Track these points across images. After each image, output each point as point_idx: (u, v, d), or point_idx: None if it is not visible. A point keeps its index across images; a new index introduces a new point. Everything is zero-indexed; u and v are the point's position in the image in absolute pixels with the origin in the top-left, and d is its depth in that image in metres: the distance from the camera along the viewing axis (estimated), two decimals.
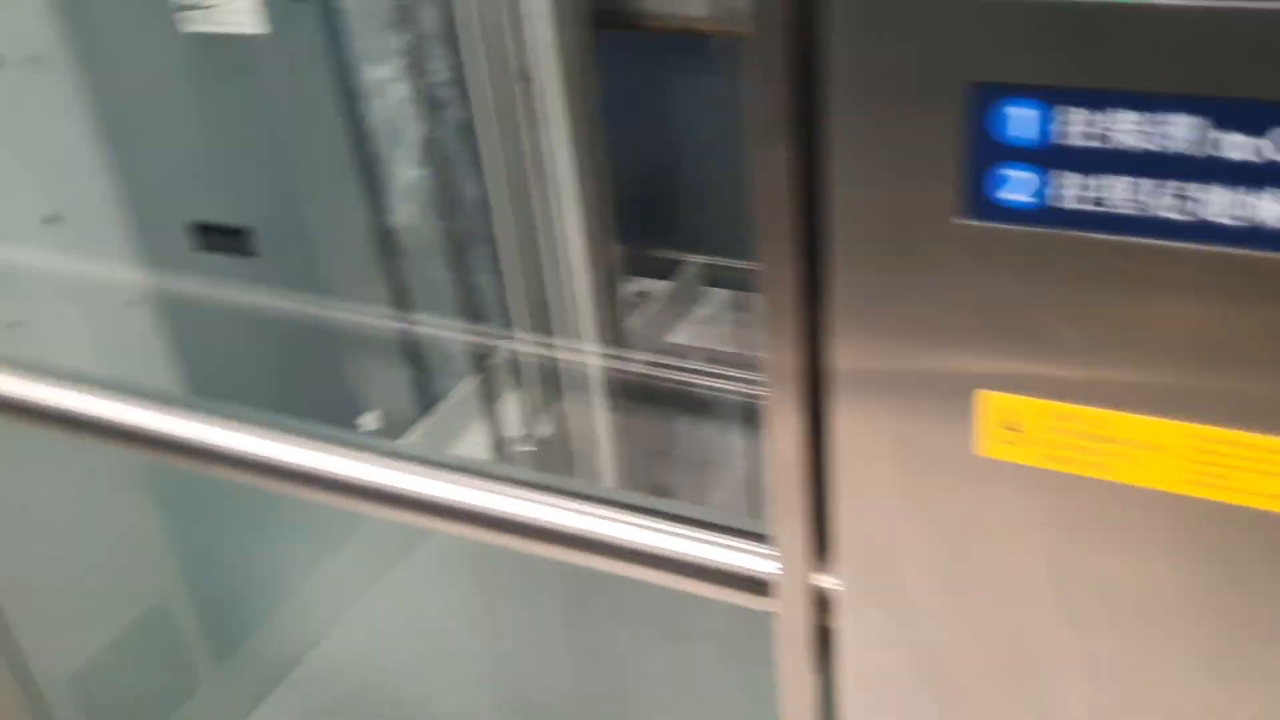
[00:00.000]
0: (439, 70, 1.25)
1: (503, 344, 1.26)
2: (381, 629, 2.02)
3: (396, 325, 1.49)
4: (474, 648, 1.98)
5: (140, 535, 1.49)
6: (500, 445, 1.42)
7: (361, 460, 0.76)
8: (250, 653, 1.83)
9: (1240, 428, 0.46)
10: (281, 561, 1.92)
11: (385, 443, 0.76)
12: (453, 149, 1.29)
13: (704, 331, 1.41)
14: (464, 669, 1.95)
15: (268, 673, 1.90)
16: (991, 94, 0.44)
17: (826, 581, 0.61)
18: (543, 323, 1.20)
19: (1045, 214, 0.46)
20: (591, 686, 1.89)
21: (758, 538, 0.65)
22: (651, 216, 1.47)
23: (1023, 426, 0.50)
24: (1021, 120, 0.44)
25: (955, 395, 0.51)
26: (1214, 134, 0.42)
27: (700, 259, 1.48)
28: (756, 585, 0.65)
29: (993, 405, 0.51)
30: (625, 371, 1.17)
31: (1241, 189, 0.42)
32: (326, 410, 1.65)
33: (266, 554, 1.89)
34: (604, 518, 0.68)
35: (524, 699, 1.90)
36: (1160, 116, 0.42)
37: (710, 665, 1.83)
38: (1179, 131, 0.42)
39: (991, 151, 0.45)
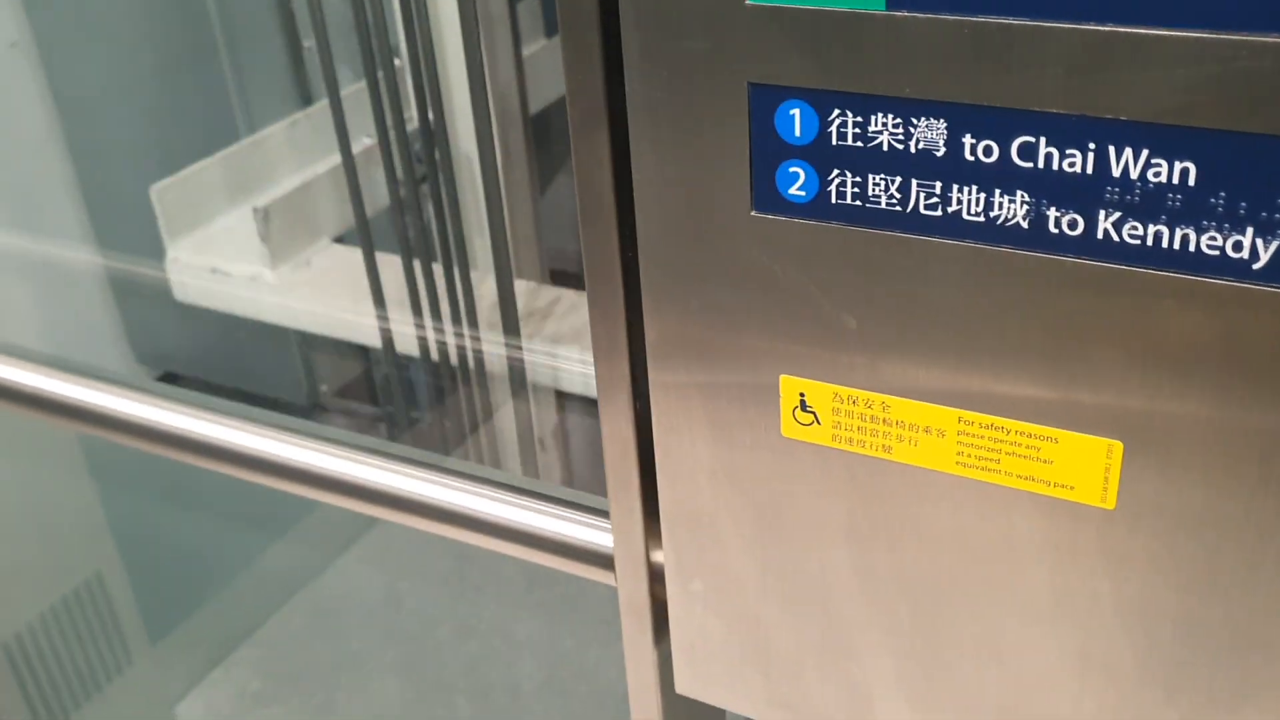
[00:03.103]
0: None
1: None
2: (322, 616, 2.05)
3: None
4: (415, 634, 2.01)
5: (79, 507, 1.52)
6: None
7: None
8: (188, 632, 1.85)
9: (999, 413, 0.50)
10: (224, 544, 1.95)
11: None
12: None
13: None
14: (404, 655, 1.98)
15: (205, 654, 1.93)
16: (769, 95, 0.48)
17: (661, 556, 0.64)
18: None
19: (821, 209, 0.49)
20: (530, 676, 1.92)
21: (601, 513, 0.68)
22: None
23: (816, 409, 0.54)
24: (796, 120, 0.48)
25: (757, 379, 0.55)
26: (960, 137, 0.45)
27: None
28: (601, 559, 0.68)
29: (789, 389, 0.54)
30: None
31: (984, 189, 0.46)
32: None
33: (211, 535, 1.92)
34: (465, 490, 0.72)
35: (461, 683, 1.93)
36: (913, 120, 0.46)
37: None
38: (930, 134, 0.46)
39: (775, 149, 0.49)
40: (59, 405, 0.91)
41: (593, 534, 0.69)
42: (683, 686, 0.67)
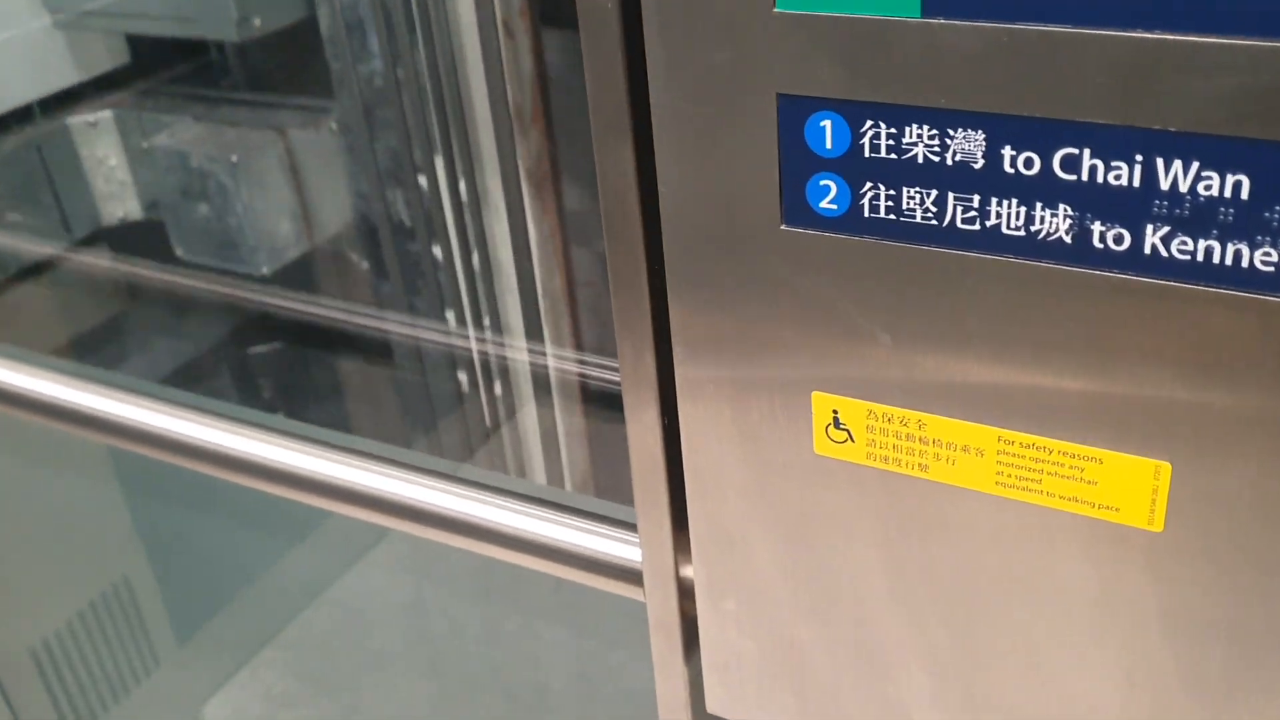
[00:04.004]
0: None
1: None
2: (347, 617, 2.05)
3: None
4: (441, 635, 2.00)
5: (107, 512, 1.52)
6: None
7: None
8: (213, 635, 1.85)
9: (1042, 433, 0.48)
10: (250, 546, 1.95)
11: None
12: None
13: None
14: (431, 655, 1.97)
15: (231, 656, 1.93)
16: (799, 106, 0.46)
17: (691, 572, 0.63)
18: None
19: (853, 223, 0.47)
20: (555, 678, 1.91)
21: (631, 527, 0.67)
22: None
23: (850, 426, 0.52)
24: (828, 132, 0.46)
25: (789, 396, 0.53)
26: (999, 149, 0.43)
27: None
28: (629, 575, 0.67)
29: (821, 406, 0.53)
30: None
31: (1025, 202, 0.44)
32: None
33: (235, 537, 1.92)
34: (490, 504, 0.70)
35: (488, 685, 1.92)
36: (950, 131, 0.44)
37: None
38: (967, 146, 0.44)
39: (805, 161, 0.47)
40: (87, 418, 0.90)
41: (621, 549, 0.67)
42: (714, 706, 0.66)
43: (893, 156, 0.46)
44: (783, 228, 0.49)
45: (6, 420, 1.34)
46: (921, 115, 0.44)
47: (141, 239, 1.41)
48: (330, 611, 2.07)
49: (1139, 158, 0.41)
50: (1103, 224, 0.43)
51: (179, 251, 1.35)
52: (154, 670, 1.63)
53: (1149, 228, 0.42)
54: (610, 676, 1.92)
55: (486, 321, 1.19)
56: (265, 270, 1.31)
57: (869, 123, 0.45)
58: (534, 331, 1.17)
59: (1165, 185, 0.41)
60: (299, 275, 1.38)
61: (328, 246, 1.37)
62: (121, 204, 1.40)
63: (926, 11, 0.42)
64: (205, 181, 1.26)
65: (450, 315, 1.21)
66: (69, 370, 0.95)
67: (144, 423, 0.88)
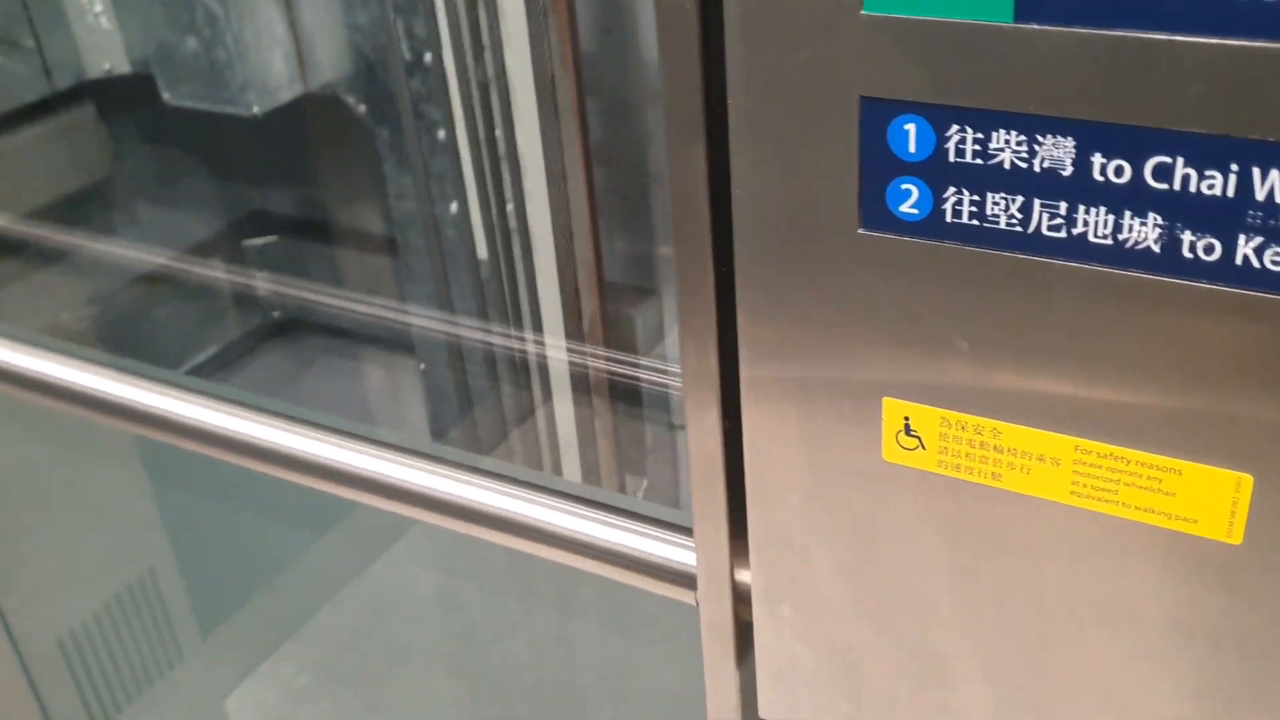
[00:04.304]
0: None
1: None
2: (371, 610, 2.05)
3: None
4: (464, 631, 2.00)
5: (134, 503, 1.52)
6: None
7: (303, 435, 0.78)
8: (236, 627, 1.85)
9: (1120, 443, 0.48)
10: (271, 541, 1.95)
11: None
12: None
13: None
14: (453, 651, 1.97)
15: (252, 650, 1.93)
16: (882, 108, 0.46)
17: (746, 576, 0.62)
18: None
19: (934, 227, 0.47)
20: (579, 676, 1.91)
21: (685, 531, 0.67)
22: None
23: (921, 433, 0.52)
24: (911, 136, 0.46)
25: (858, 401, 0.53)
26: (1089, 156, 0.43)
27: None
28: (683, 578, 0.67)
29: (893, 412, 0.52)
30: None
31: (1114, 210, 0.43)
32: None
33: (259, 529, 1.92)
34: (542, 504, 0.70)
35: (511, 682, 1.92)
36: (1038, 137, 0.43)
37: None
38: (1056, 153, 0.43)
39: (886, 164, 0.47)
40: (116, 407, 0.90)
41: (672, 551, 0.67)
42: (767, 710, 0.65)
43: (978, 162, 0.45)
44: (860, 231, 0.48)
45: (40, 413, 1.34)
46: (1010, 121, 0.44)
47: (129, 92, 1.36)
48: (351, 607, 2.07)
49: (1234, 167, 0.41)
50: (1193, 234, 0.43)
51: (166, 96, 1.28)
52: (178, 664, 1.63)
53: (1241, 238, 0.42)
54: (637, 675, 1.91)
55: (510, 207, 1.10)
56: (255, 110, 1.24)
57: (954, 127, 0.45)
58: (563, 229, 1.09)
59: (1261, 196, 0.41)
60: (292, 122, 1.31)
61: (326, 93, 1.31)
62: (108, 55, 1.33)
63: (1020, 17, 0.42)
64: (194, 11, 1.20)
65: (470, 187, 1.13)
66: (99, 359, 0.95)
67: (172, 412, 0.88)
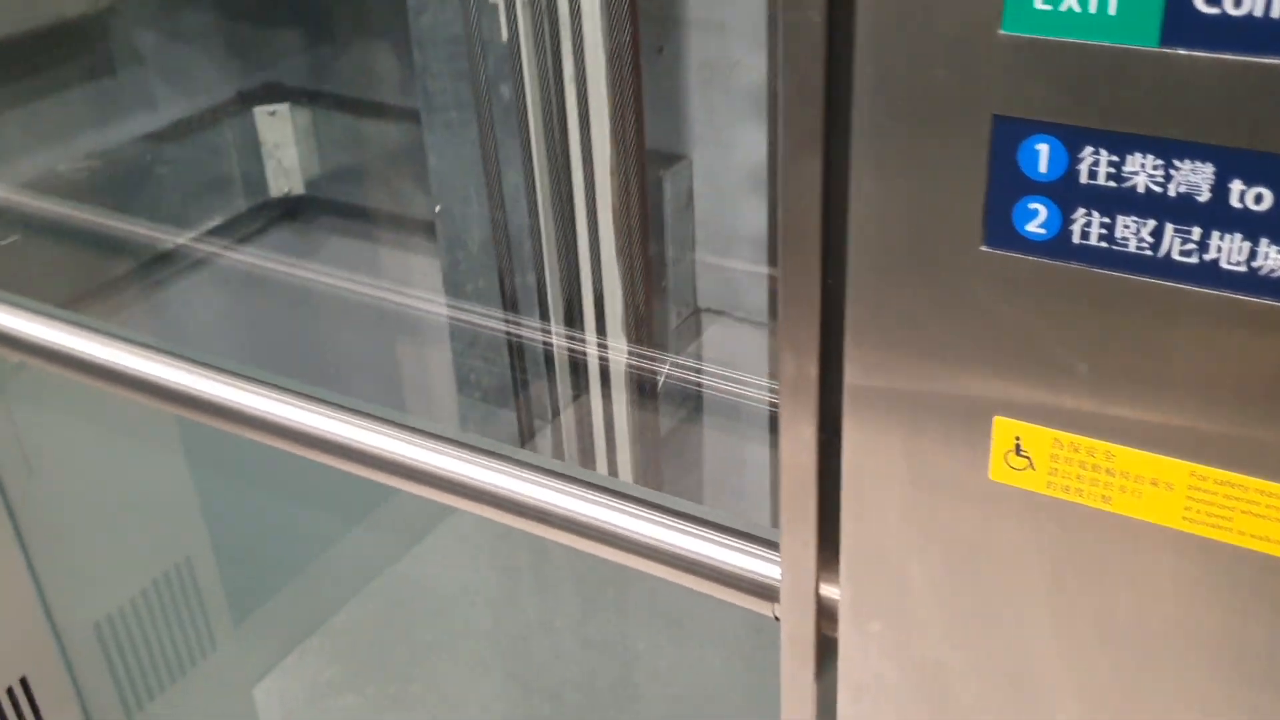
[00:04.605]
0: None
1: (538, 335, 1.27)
2: (398, 604, 2.05)
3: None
4: (490, 628, 2.00)
5: (174, 492, 1.52)
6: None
7: (403, 440, 0.78)
8: (266, 617, 1.86)
9: (1239, 470, 0.47)
10: (302, 530, 1.95)
11: (420, 421, 0.78)
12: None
13: None
14: (479, 648, 1.97)
15: (282, 639, 1.93)
16: (1015, 128, 0.45)
17: (832, 591, 0.62)
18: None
19: (1061, 248, 0.47)
20: (602, 676, 1.91)
21: (768, 543, 0.66)
22: None
23: (1031, 454, 0.52)
24: (1043, 156, 0.45)
25: (967, 418, 0.52)
26: (1227, 183, 0.43)
27: None
28: (764, 590, 0.66)
29: (1003, 432, 0.52)
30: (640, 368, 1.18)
31: (1250, 238, 0.43)
32: None
33: (288, 521, 1.92)
34: (626, 512, 0.70)
35: (536, 680, 1.92)
36: (1175, 162, 0.43)
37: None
38: (1193, 178, 0.43)
39: (1015, 183, 0.46)
40: (158, 388, 0.91)
41: (754, 563, 0.67)
42: None
43: (1111, 184, 0.45)
44: (982, 248, 0.48)
45: (88, 402, 1.34)
46: (1147, 144, 0.43)
47: None
48: (380, 598, 2.07)
49: None
50: None
51: None
52: (210, 652, 1.63)
53: None
54: (657, 678, 1.91)
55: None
56: None
57: (1089, 148, 0.45)
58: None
59: None
60: None
61: None
62: None
63: (1165, 41, 0.42)
64: None
65: None
66: (141, 340, 0.95)
67: (214, 395, 0.88)
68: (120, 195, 1.52)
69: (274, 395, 0.86)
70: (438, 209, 1.30)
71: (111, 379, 0.94)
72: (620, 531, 0.69)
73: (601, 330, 1.14)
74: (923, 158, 0.48)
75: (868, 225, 0.50)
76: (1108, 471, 0.50)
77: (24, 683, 1.40)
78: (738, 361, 1.21)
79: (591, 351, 1.17)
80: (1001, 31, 0.44)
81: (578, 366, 1.25)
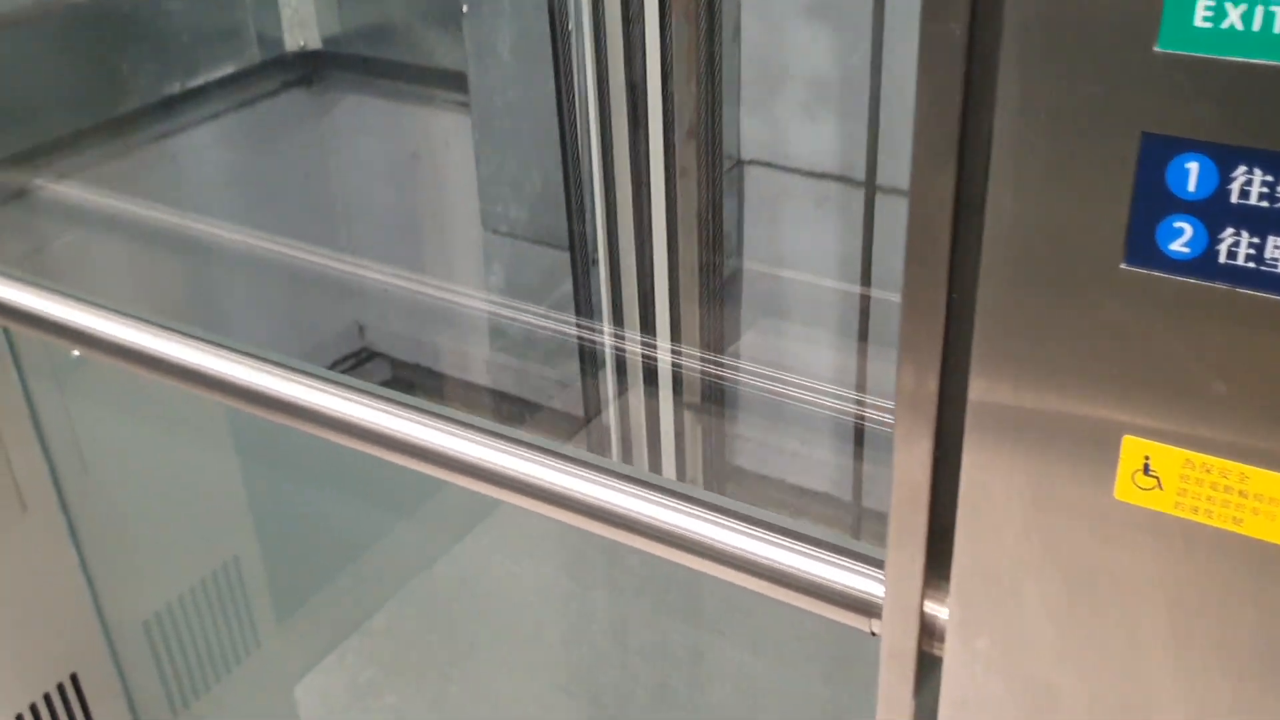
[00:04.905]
0: None
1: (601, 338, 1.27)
2: (440, 602, 2.05)
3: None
4: (535, 626, 2.00)
5: (224, 491, 1.53)
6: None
7: (470, 440, 0.78)
8: (308, 616, 1.86)
9: None
10: (344, 530, 1.95)
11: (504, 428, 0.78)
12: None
13: None
14: (523, 647, 1.97)
15: (323, 638, 1.94)
16: (1164, 145, 0.45)
17: (937, 608, 0.62)
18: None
19: (1206, 268, 0.46)
20: (653, 680, 1.90)
21: (867, 559, 0.66)
22: None
23: (1160, 474, 0.51)
24: (1192, 174, 0.45)
25: (1095, 436, 0.52)
26: None
27: None
28: (862, 605, 0.66)
29: (1132, 451, 0.51)
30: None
31: None
32: None
33: (334, 518, 1.93)
34: (721, 525, 0.69)
35: (580, 680, 1.92)
36: None
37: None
38: None
39: (1161, 201, 0.46)
40: (206, 378, 0.91)
41: (855, 579, 0.66)
42: None
43: (1263, 204, 0.44)
44: (1122, 266, 0.48)
45: (144, 401, 1.35)
46: None
47: None
48: (419, 599, 2.07)
49: None
50: None
51: None
52: (254, 650, 1.64)
53: None
54: (696, 685, 1.91)
55: None
56: None
57: (1242, 168, 0.44)
58: None
59: None
60: None
61: None
62: None
63: None
64: None
65: None
66: (191, 332, 0.96)
67: (262, 386, 0.89)
68: (128, 37, 1.48)
69: (326, 388, 0.87)
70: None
71: (171, 372, 0.94)
72: (720, 545, 0.69)
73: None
74: (1065, 173, 0.47)
75: (1003, 239, 0.50)
76: (1240, 493, 0.49)
77: (74, 679, 1.40)
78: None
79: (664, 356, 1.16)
80: (1157, 49, 0.43)
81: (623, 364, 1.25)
